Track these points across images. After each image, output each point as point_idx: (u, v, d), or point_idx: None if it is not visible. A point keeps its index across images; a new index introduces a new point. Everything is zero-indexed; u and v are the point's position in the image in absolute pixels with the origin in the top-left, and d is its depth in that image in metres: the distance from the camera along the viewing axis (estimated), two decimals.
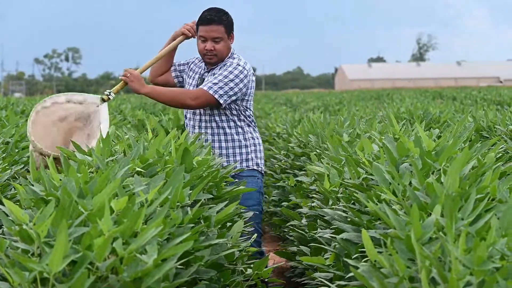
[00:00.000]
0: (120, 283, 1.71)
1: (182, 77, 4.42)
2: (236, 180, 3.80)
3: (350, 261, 2.00)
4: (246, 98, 4.18)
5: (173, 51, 4.32)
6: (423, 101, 16.48)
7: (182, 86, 4.41)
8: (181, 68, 4.42)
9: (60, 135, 3.84)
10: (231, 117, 4.18)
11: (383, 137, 3.20)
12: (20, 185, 2.40)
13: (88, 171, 2.55)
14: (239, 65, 4.12)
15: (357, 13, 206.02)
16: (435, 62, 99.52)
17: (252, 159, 4.23)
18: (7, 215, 2.05)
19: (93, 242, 1.73)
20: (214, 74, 4.16)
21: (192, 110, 4.21)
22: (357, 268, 1.86)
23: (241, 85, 4.09)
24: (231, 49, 4.21)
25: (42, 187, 2.35)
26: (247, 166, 4.21)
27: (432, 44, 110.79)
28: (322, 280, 2.38)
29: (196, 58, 4.35)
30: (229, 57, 4.19)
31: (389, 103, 15.50)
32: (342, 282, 2.06)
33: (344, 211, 2.61)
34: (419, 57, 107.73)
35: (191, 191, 2.45)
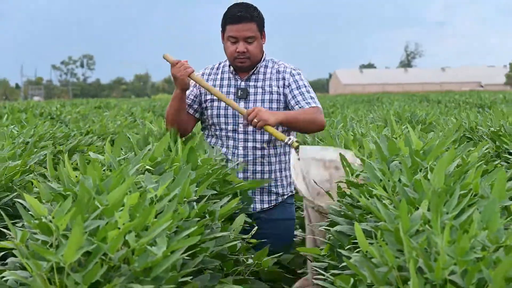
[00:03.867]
0: (131, 272, 1.72)
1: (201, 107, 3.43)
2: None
3: (343, 252, 2.00)
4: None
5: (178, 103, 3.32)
6: (410, 104, 16.46)
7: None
8: (195, 96, 3.41)
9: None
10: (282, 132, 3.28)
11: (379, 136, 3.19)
12: (38, 181, 2.40)
13: (102, 169, 2.55)
14: (294, 69, 3.36)
15: (350, 21, 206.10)
16: (422, 68, 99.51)
17: (292, 182, 3.40)
18: (27, 210, 2.05)
19: (107, 234, 1.74)
20: (265, 86, 3.30)
21: (232, 126, 3.33)
22: (349, 258, 1.86)
23: None
24: (264, 51, 3.37)
25: (59, 184, 2.35)
26: (291, 191, 3.44)
27: (419, 51, 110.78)
28: (317, 269, 2.38)
29: (208, 68, 3.45)
30: (264, 60, 3.36)
31: (379, 106, 15.49)
32: (336, 271, 2.06)
33: (338, 205, 2.60)
34: (406, 64, 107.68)
35: (197, 188, 2.46)
